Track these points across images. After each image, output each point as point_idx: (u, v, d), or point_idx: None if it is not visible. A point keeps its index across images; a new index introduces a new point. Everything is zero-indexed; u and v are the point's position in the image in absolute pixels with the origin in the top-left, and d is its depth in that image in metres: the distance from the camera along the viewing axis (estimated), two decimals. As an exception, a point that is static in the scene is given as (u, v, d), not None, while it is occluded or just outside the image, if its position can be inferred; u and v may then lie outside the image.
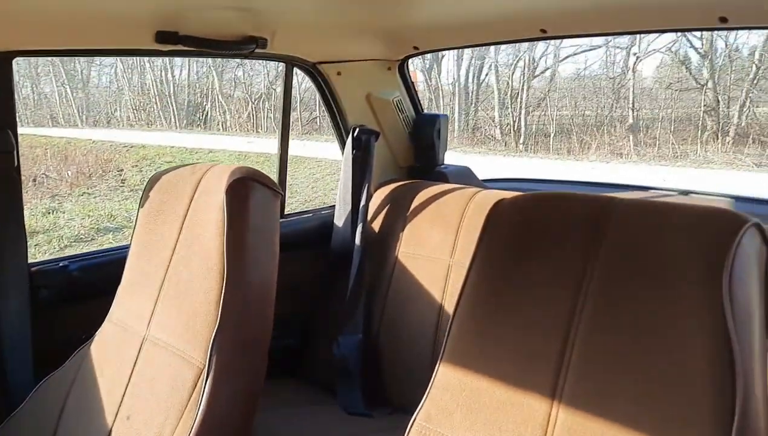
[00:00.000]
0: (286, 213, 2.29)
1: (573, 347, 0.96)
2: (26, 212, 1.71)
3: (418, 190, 2.14)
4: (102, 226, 7.92)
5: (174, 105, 16.37)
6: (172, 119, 16.33)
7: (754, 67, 12.38)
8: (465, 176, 2.42)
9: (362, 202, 2.17)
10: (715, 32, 12.02)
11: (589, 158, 12.22)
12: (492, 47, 14.15)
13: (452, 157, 2.49)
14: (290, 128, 2.27)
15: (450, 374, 1.07)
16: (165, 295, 1.43)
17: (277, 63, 2.07)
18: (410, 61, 2.38)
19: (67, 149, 12.47)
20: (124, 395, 1.38)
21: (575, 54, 14.63)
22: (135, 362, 1.41)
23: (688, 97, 13.48)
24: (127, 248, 1.62)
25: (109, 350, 1.48)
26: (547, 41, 13.69)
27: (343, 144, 2.28)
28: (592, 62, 15.79)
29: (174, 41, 1.64)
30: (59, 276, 1.74)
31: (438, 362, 1.10)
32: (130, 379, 1.39)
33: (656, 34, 12.90)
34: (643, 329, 0.91)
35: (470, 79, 15.15)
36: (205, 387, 1.25)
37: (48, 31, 1.51)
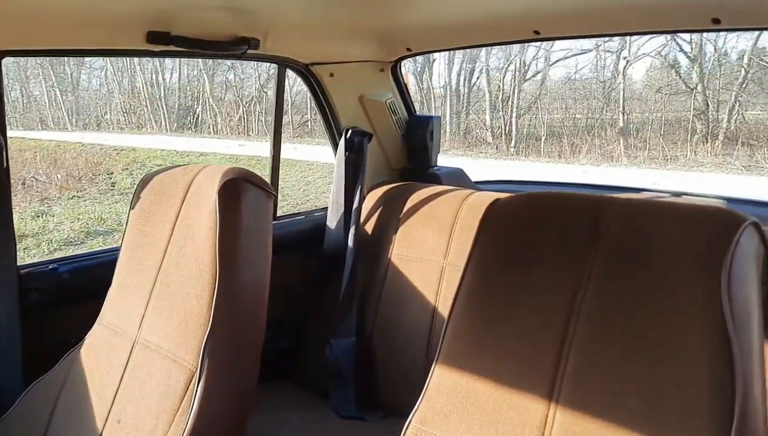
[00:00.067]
0: (278, 215, 2.27)
1: (570, 348, 0.95)
2: (15, 216, 1.69)
3: (411, 192, 2.13)
4: (92, 229, 7.88)
5: (165, 108, 16.31)
6: (163, 122, 16.27)
7: (742, 71, 12.48)
8: (458, 178, 2.42)
9: (355, 204, 2.16)
10: (704, 37, 12.14)
11: (580, 162, 12.27)
12: (483, 51, 14.24)
13: (443, 160, 2.49)
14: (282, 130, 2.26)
15: (446, 375, 1.06)
16: (156, 297, 1.41)
17: (268, 65, 2.06)
18: (402, 63, 2.38)
19: (56, 152, 12.39)
20: (114, 399, 1.36)
21: (566, 58, 14.72)
22: (126, 365, 1.39)
23: (678, 100, 13.57)
24: (117, 250, 1.60)
25: (99, 353, 1.46)
26: (539, 45, 13.75)
27: (335, 146, 2.27)
28: (583, 66, 15.85)
29: (166, 42, 1.63)
30: (49, 279, 1.72)
31: (433, 363, 1.09)
32: (120, 382, 1.38)
33: (646, 38, 13.00)
34: (641, 328, 0.90)
35: (461, 83, 15.20)
36: (197, 390, 1.24)
37: (37, 31, 1.49)
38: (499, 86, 14.49)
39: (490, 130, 14.34)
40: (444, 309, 1.89)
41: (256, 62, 14.95)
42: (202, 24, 1.67)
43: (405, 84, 2.42)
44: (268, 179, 2.03)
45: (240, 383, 1.35)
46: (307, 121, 15.05)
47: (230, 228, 1.32)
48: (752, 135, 12.07)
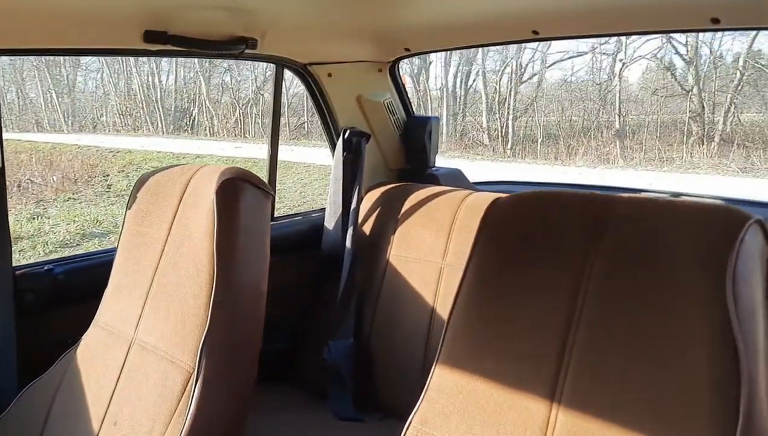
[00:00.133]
0: (275, 216, 2.26)
1: (572, 348, 0.94)
2: (11, 218, 1.68)
3: (409, 193, 2.13)
4: (88, 231, 7.85)
5: (161, 110, 16.29)
6: (159, 124, 16.24)
7: (738, 74, 12.52)
8: (456, 179, 2.41)
9: (353, 205, 2.15)
10: (700, 39, 12.18)
11: (576, 164, 12.29)
12: (479, 53, 14.25)
13: (440, 162, 2.49)
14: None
15: (446, 376, 1.05)
16: (153, 298, 1.40)
17: (265, 68, 2.06)
18: (400, 64, 2.37)
19: (52, 154, 12.37)
20: (111, 400, 1.35)
21: (562, 60, 14.75)
22: (122, 367, 1.38)
23: (674, 102, 13.61)
24: (114, 250, 1.59)
25: (95, 354, 1.45)
26: (535, 47, 13.77)
27: (333, 146, 2.26)
28: (579, 68, 15.93)
29: (163, 41, 1.62)
30: (45, 280, 1.70)
31: (434, 364, 1.08)
32: (117, 383, 1.36)
33: (642, 41, 13.05)
34: (643, 328, 0.89)
35: (458, 85, 15.22)
36: (194, 392, 1.23)
37: (33, 30, 1.48)
38: (495, 88, 14.51)
39: (486, 132, 14.35)
40: (442, 310, 1.88)
41: (252, 64, 14.88)
42: (200, 23, 1.66)
43: (403, 84, 2.41)
44: (265, 180, 2.03)
45: (238, 385, 1.34)
46: (303, 123, 15.04)
47: (228, 228, 1.31)
48: (748, 137, 12.11)
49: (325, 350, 2.01)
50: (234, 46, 1.76)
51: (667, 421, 0.84)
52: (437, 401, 1.05)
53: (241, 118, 15.80)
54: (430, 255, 1.96)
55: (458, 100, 15.15)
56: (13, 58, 15.94)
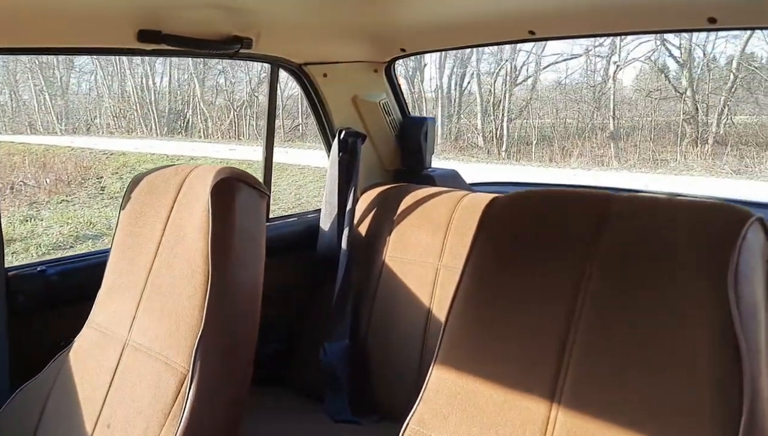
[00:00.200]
0: (271, 217, 2.25)
1: (572, 347, 0.93)
2: (3, 220, 1.66)
3: (405, 194, 2.12)
4: (81, 233, 7.82)
5: (155, 112, 16.25)
6: (153, 126, 16.20)
7: (731, 76, 12.58)
8: (452, 179, 2.40)
9: (348, 206, 2.14)
10: (693, 42, 12.23)
11: (571, 166, 12.32)
12: (474, 55, 14.28)
13: (434, 164, 2.48)
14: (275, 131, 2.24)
15: (444, 376, 1.04)
16: (147, 298, 1.39)
17: (259, 70, 2.04)
18: (395, 65, 2.36)
19: (45, 157, 12.32)
20: (104, 403, 1.33)
21: (556, 62, 14.79)
22: (116, 368, 1.36)
23: (668, 105, 13.66)
24: (107, 251, 1.58)
25: (88, 356, 1.44)
26: (529, 49, 13.80)
27: (329, 147, 2.25)
28: (573, 70, 15.97)
29: (157, 40, 1.61)
30: (37, 281, 1.69)
31: (432, 364, 1.07)
32: (110, 385, 1.35)
33: (636, 43, 13.11)
34: (645, 327, 0.88)
35: (453, 87, 15.23)
36: (188, 393, 1.22)
37: (25, 28, 1.47)
38: (490, 90, 14.53)
39: (481, 134, 14.36)
40: (439, 311, 1.87)
41: (247, 66, 14.83)
42: (194, 23, 1.64)
43: (399, 85, 2.41)
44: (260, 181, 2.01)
45: (233, 387, 1.32)
46: (298, 125, 15.02)
47: (223, 228, 1.30)
48: (741, 139, 12.17)
49: (320, 351, 1.99)
50: (229, 46, 1.75)
51: (668, 421, 0.83)
52: (435, 402, 1.03)
53: (236, 120, 15.78)
54: (427, 256, 1.95)
55: (453, 102, 15.17)
56: (6, 59, 15.88)
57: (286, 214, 2.47)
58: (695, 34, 12.42)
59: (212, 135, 15.71)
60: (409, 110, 2.48)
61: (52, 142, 14.00)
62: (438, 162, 2.49)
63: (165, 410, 1.23)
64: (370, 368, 1.98)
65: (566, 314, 0.95)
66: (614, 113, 13.60)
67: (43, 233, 7.77)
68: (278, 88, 2.25)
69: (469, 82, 15.20)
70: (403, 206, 2.08)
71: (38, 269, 1.71)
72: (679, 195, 2.09)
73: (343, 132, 2.18)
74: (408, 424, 1.05)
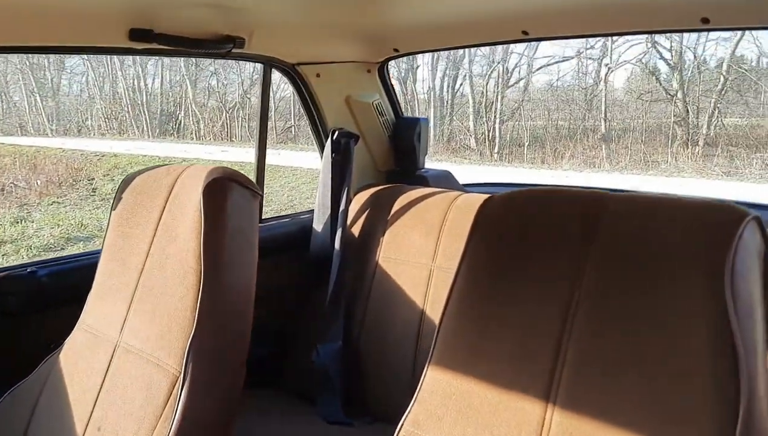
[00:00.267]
0: (264, 218, 2.24)
1: (568, 347, 0.92)
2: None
3: (398, 194, 2.11)
4: (72, 235, 7.78)
5: (147, 114, 16.18)
6: (145, 128, 16.14)
7: (722, 79, 12.65)
8: (446, 180, 2.40)
9: (341, 207, 2.13)
10: (684, 44, 12.30)
11: (563, 167, 12.35)
12: (466, 57, 14.30)
13: (427, 165, 2.47)
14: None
15: (439, 377, 1.03)
16: (138, 300, 1.37)
17: (252, 72, 2.03)
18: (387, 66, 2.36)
19: (36, 158, 12.25)
20: (95, 405, 1.32)
21: (548, 65, 14.84)
22: (107, 371, 1.35)
23: (659, 107, 13.72)
24: (98, 252, 1.56)
25: (79, 358, 1.42)
26: (521, 52, 13.84)
27: (322, 147, 2.24)
28: (565, 73, 15.99)
29: (148, 39, 1.59)
30: (27, 282, 1.67)
31: (426, 365, 1.07)
32: (101, 388, 1.33)
33: (627, 46, 13.18)
34: (641, 326, 0.88)
35: (445, 89, 15.25)
36: (180, 396, 1.20)
37: (14, 26, 1.45)
38: (482, 92, 14.56)
39: (473, 136, 14.38)
40: (432, 312, 1.86)
41: (239, 68, 14.77)
42: (186, 22, 1.63)
43: (392, 85, 2.40)
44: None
45: (225, 388, 1.31)
46: (290, 127, 15.00)
47: (215, 228, 1.29)
48: (731, 141, 12.23)
49: (313, 353, 1.98)
50: (221, 45, 1.74)
51: (665, 420, 0.83)
52: (430, 403, 1.03)
53: (228, 121, 15.73)
54: (420, 257, 1.95)
55: (445, 104, 15.18)
56: (-4, 60, 15.76)
57: (279, 214, 2.46)
58: (686, 36, 12.50)
59: (204, 137, 15.66)
60: (402, 112, 2.48)
61: (43, 143, 13.92)
62: (430, 164, 2.49)
63: (156, 412, 1.21)
64: (363, 369, 1.97)
65: (561, 314, 0.95)
66: (606, 115, 13.66)
67: (34, 234, 7.73)
68: (271, 89, 2.24)
69: (461, 84, 15.23)
70: (396, 207, 2.07)
71: (28, 270, 1.69)
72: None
73: (336, 132, 2.17)
74: (402, 425, 1.04)
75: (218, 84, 16.17)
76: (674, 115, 13.00)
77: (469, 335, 1.03)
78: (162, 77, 16.48)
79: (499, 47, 13.68)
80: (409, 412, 1.05)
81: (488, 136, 14.19)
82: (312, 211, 2.25)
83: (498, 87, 14.48)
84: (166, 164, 1.51)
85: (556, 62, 14.63)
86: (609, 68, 13.89)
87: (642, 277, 0.90)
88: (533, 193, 1.09)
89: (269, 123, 2.34)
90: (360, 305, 2.03)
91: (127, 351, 1.33)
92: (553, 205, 1.03)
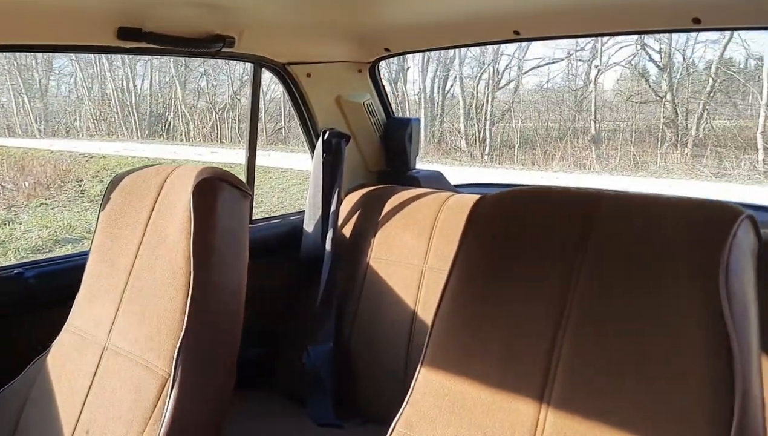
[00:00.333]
0: (254, 218, 2.22)
1: (562, 347, 0.92)
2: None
3: (389, 195, 2.10)
4: (60, 237, 7.73)
5: (136, 115, 16.11)
6: (134, 129, 16.06)
7: (710, 81, 12.72)
8: (437, 181, 2.39)
9: (332, 207, 2.12)
10: (673, 46, 12.38)
11: (553, 169, 12.39)
12: (456, 59, 14.33)
13: (418, 167, 2.46)
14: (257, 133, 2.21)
15: (432, 378, 1.02)
16: (127, 301, 1.36)
17: (242, 71, 2.02)
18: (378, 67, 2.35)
19: (24, 159, 12.17)
20: (83, 408, 1.30)
21: (538, 66, 14.88)
22: (95, 373, 1.33)
23: (648, 109, 13.78)
24: (86, 254, 1.54)
25: (67, 360, 1.40)
26: (511, 53, 13.87)
27: (312, 147, 2.23)
28: (555, 74, 16.03)
29: (137, 38, 1.58)
30: (14, 284, 1.65)
31: (419, 366, 1.06)
32: (89, 390, 1.31)
33: (617, 47, 13.25)
34: (635, 325, 0.87)
35: (435, 91, 15.25)
36: (169, 398, 1.19)
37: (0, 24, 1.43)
38: (473, 94, 14.58)
39: (464, 137, 14.40)
40: (424, 313, 1.85)
41: (229, 69, 14.71)
42: (176, 21, 1.62)
43: (383, 85, 2.39)
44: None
45: (215, 390, 1.30)
46: (280, 128, 14.96)
47: (205, 229, 1.28)
48: (720, 143, 12.30)
49: (304, 354, 1.97)
50: (211, 45, 1.73)
51: (660, 420, 0.82)
52: (422, 404, 1.02)
53: (218, 123, 15.68)
54: (411, 258, 1.94)
55: (436, 105, 15.20)
56: (-17, 61, 15.63)
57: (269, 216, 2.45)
58: (675, 38, 12.58)
59: (194, 138, 15.61)
60: (393, 112, 2.47)
61: (31, 145, 13.84)
62: (421, 165, 2.48)
63: (145, 415, 1.20)
64: (354, 370, 1.96)
65: (555, 314, 0.94)
66: (596, 117, 13.71)
67: (22, 236, 7.67)
68: (261, 89, 2.22)
69: (452, 86, 15.25)
70: (387, 208, 2.06)
71: (15, 271, 1.67)
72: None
73: (327, 133, 2.16)
74: (395, 426, 1.03)
75: (208, 85, 16.13)
76: (663, 117, 13.06)
77: (462, 335, 1.02)
78: (151, 78, 16.42)
79: (490, 49, 13.74)
80: (401, 413, 1.04)
81: (479, 137, 14.22)
82: (303, 212, 2.24)
83: (488, 88, 14.51)
84: (155, 164, 1.50)
85: (547, 64, 14.69)
86: (599, 70, 13.95)
87: (637, 276, 0.89)
88: (526, 193, 1.08)
89: (259, 124, 2.32)
90: (351, 306, 2.01)
91: (116, 353, 1.32)
92: (546, 204, 1.03)
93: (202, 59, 13.79)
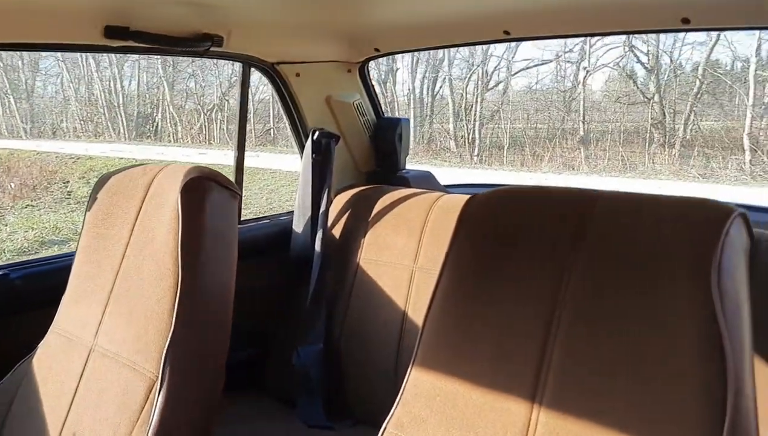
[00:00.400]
0: (243, 219, 2.20)
1: (554, 347, 0.91)
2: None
3: (379, 195, 2.09)
4: (47, 238, 7.68)
5: (123, 116, 16.00)
6: (121, 130, 15.95)
7: (697, 82, 12.81)
8: (427, 181, 2.38)
9: (322, 208, 2.11)
10: (660, 48, 12.46)
11: (542, 170, 12.43)
12: (446, 60, 14.34)
13: (407, 167, 2.46)
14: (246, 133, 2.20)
15: (423, 378, 1.02)
16: (114, 302, 1.34)
17: (231, 72, 2.00)
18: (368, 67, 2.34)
19: (9, 161, 12.06)
20: (69, 410, 1.28)
21: (527, 68, 14.91)
22: (81, 375, 1.31)
23: (636, 110, 13.86)
24: (73, 254, 1.52)
25: (53, 362, 1.38)
26: (500, 54, 13.91)
27: (301, 148, 2.21)
28: (544, 76, 16.07)
29: (124, 37, 1.56)
30: (0, 285, 1.62)
31: (410, 366, 1.05)
32: (75, 393, 1.30)
33: (605, 49, 13.32)
34: (627, 325, 0.87)
35: (425, 92, 15.27)
36: (157, 400, 1.17)
37: None
38: (462, 95, 14.60)
39: (453, 138, 14.42)
40: (414, 314, 1.85)
41: (217, 70, 14.64)
42: (163, 19, 1.60)
43: (372, 85, 2.38)
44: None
45: (203, 393, 1.28)
46: (269, 129, 14.92)
47: (193, 229, 1.26)
48: (707, 144, 12.38)
49: (293, 355, 1.96)
50: (199, 44, 1.71)
51: (652, 420, 0.82)
52: (413, 405, 1.01)
53: (206, 124, 15.61)
54: (402, 258, 1.93)
55: (425, 106, 15.20)
56: (-32, 61, 15.49)
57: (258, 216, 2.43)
58: (662, 40, 12.66)
59: (182, 139, 15.53)
60: (383, 112, 2.46)
61: (17, 146, 13.73)
62: (411, 166, 2.47)
63: (133, 417, 1.18)
64: (344, 371, 1.95)
65: (547, 314, 0.93)
66: (584, 118, 13.76)
67: (8, 238, 7.61)
68: (249, 89, 2.21)
69: (441, 87, 15.26)
70: (377, 208, 2.06)
71: (1, 272, 1.65)
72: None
73: (317, 133, 2.15)
74: (386, 428, 1.02)
75: (196, 86, 16.05)
76: (651, 118, 13.14)
77: (453, 336, 1.01)
78: (139, 79, 16.32)
79: (479, 50, 13.77)
80: (392, 414, 1.03)
81: (468, 138, 14.24)
82: (292, 212, 2.23)
83: (478, 90, 14.53)
84: (143, 164, 1.48)
85: (535, 65, 14.73)
86: (587, 71, 14.01)
87: (630, 276, 0.89)
88: (518, 192, 1.08)
89: (248, 125, 2.31)
90: (341, 307, 2.00)
91: (103, 355, 1.30)
92: (539, 204, 1.02)
93: (191, 60, 13.74)
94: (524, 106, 14.96)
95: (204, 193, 1.29)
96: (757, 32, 10.86)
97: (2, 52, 1.68)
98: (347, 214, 2.13)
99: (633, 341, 0.86)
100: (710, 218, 0.86)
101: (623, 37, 12.19)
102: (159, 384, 1.18)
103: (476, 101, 14.40)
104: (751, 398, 0.81)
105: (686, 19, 1.53)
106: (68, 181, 10.95)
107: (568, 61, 14.36)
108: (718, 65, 13.24)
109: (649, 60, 13.39)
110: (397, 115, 14.22)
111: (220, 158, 11.25)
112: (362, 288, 1.99)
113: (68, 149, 13.08)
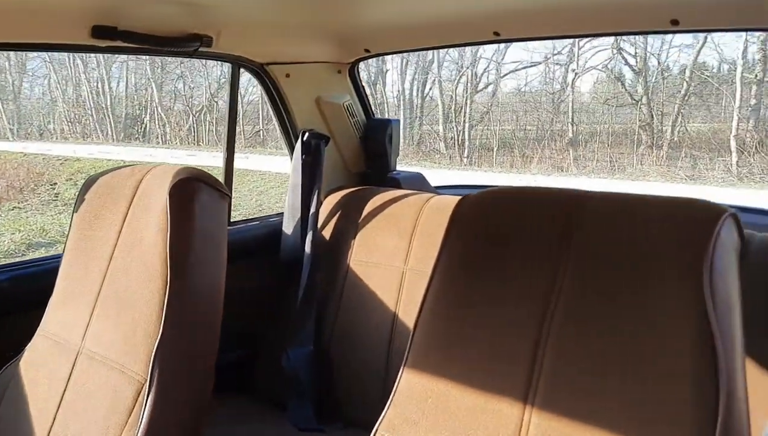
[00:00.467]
0: (232, 221, 2.19)
1: (546, 348, 0.91)
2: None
3: (370, 197, 2.09)
4: (34, 241, 7.61)
5: (111, 117, 15.90)
6: (109, 132, 15.85)
7: (684, 84, 12.90)
8: (418, 182, 2.38)
9: (312, 209, 2.10)
10: (648, 51, 12.54)
11: (531, 171, 12.46)
12: (435, 62, 14.36)
13: (398, 169, 2.45)
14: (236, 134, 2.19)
15: (414, 380, 1.01)
16: (102, 305, 1.33)
17: (220, 74, 1.99)
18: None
19: (-4, 162, 11.96)
20: (56, 414, 1.27)
21: (516, 70, 14.96)
22: (69, 378, 1.30)
23: (624, 112, 13.93)
24: (60, 257, 1.51)
25: (40, 366, 1.37)
26: (489, 57, 13.95)
27: (291, 149, 2.20)
28: (533, 78, 16.12)
29: (112, 37, 1.55)
30: None
31: (401, 369, 1.04)
32: (63, 396, 1.28)
33: (593, 51, 13.36)
34: (619, 325, 0.87)
35: (415, 93, 15.28)
36: (146, 404, 1.16)
37: None
38: (451, 97, 14.63)
39: (443, 140, 14.44)
40: (405, 316, 1.84)
41: (206, 71, 14.58)
42: (152, 19, 1.59)
43: (363, 86, 2.38)
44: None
45: (193, 395, 1.27)
46: (259, 131, 14.88)
47: (182, 230, 1.25)
48: (695, 145, 12.47)
49: (283, 357, 1.95)
50: (188, 44, 1.70)
51: (645, 420, 0.82)
52: (405, 407, 1.00)
53: (195, 125, 15.55)
54: (392, 260, 1.93)
55: (415, 108, 15.22)
56: (-46, 62, 15.34)
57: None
58: (650, 42, 12.74)
59: (171, 141, 15.45)
60: (374, 113, 2.46)
61: (4, 147, 13.61)
62: (401, 167, 2.47)
63: (121, 420, 1.17)
64: (334, 373, 1.94)
65: (538, 315, 0.93)
66: (573, 120, 13.81)
67: (-6, 240, 7.54)
68: (239, 90, 2.20)
69: (430, 89, 15.27)
70: (368, 209, 2.05)
71: None
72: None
73: (307, 134, 2.14)
74: (377, 430, 1.02)
75: (185, 87, 15.98)
76: (639, 120, 13.21)
77: (445, 337, 1.01)
78: (127, 80, 16.23)
79: (468, 52, 13.79)
80: (383, 416, 1.03)
81: (458, 140, 14.26)
82: (282, 214, 2.22)
83: (467, 92, 14.56)
84: (131, 165, 1.47)
85: (524, 67, 14.78)
86: (576, 74, 14.07)
87: (620, 276, 0.89)
88: (510, 193, 1.07)
89: (237, 127, 2.30)
90: (331, 309, 2.00)
91: (91, 358, 1.29)
92: (530, 204, 1.02)
93: (179, 61, 13.68)
94: (513, 108, 14.99)
95: (193, 194, 1.28)
96: (743, 35, 10.95)
97: (-12, 51, 1.66)
98: (337, 215, 2.13)
99: (624, 340, 0.86)
100: (702, 217, 0.86)
101: (611, 39, 12.26)
102: (148, 386, 1.17)
103: (466, 103, 14.43)
104: (744, 399, 0.81)
105: (675, 20, 1.54)
106: (55, 183, 10.87)
107: (557, 64, 14.42)
108: (705, 68, 13.35)
109: (637, 62, 13.47)
110: (387, 116, 14.21)
111: (209, 160, 11.21)
112: (353, 290, 1.98)
113: (56, 151, 12.99)
